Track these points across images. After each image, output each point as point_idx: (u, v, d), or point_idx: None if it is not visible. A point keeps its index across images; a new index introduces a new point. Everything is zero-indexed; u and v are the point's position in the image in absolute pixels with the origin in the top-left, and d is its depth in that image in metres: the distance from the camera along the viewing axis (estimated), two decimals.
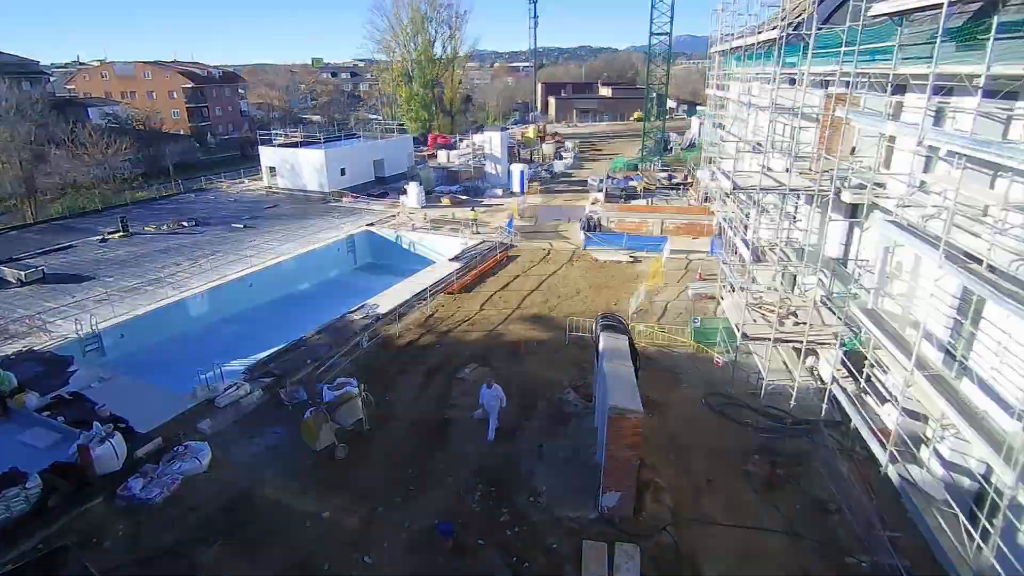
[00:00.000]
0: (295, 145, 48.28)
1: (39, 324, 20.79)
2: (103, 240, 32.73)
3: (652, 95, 50.67)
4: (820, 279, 15.19)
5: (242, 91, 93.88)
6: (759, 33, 20.02)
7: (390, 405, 16.16)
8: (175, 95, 79.50)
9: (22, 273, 25.62)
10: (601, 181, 41.93)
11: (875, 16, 11.65)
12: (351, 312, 22.01)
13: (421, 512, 12.17)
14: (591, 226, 31.73)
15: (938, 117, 11.22)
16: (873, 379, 13.10)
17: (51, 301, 23.47)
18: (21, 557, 10.75)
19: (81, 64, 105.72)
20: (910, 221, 10.95)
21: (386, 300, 23.20)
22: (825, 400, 14.50)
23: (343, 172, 44.86)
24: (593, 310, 20.99)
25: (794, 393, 14.75)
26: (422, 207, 37.88)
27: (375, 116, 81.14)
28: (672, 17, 45.07)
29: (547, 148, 58.14)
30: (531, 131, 64.48)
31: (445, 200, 39.64)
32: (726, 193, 20.57)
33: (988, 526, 8.20)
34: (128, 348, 21.32)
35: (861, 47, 12.27)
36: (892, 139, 12.85)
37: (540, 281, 25.70)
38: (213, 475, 13.22)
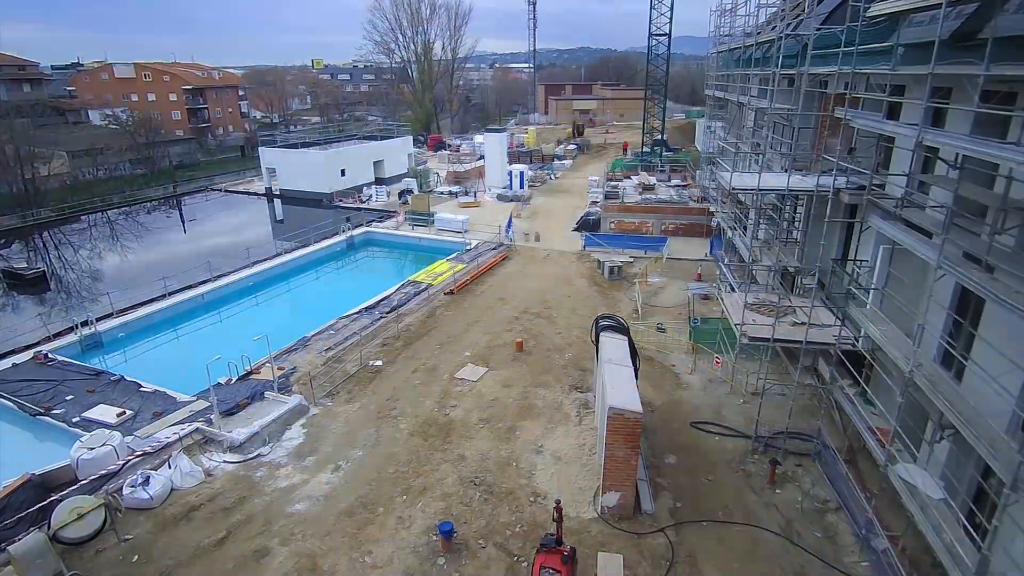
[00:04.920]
0: (295, 146, 48.36)
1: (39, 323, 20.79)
2: None
3: (651, 95, 50.65)
4: (819, 279, 15.20)
5: (242, 92, 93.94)
6: (758, 34, 20.06)
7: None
8: (175, 97, 79.55)
9: (23, 272, 25.69)
10: (600, 181, 41.97)
11: (874, 17, 11.67)
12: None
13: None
14: (590, 226, 31.78)
15: (937, 117, 11.25)
16: (872, 379, 13.11)
17: (51, 300, 23.47)
18: None
19: (81, 66, 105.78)
20: (909, 221, 10.97)
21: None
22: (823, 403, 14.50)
23: (343, 173, 44.95)
24: (592, 309, 21.02)
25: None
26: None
27: (375, 117, 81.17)
28: (671, 18, 45.13)
29: (547, 149, 58.25)
30: (531, 134, 64.54)
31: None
32: (725, 194, 20.60)
33: (987, 526, 8.20)
34: (127, 347, 21.35)
35: (860, 48, 12.29)
36: (891, 139, 12.87)
37: (539, 281, 25.71)
38: None
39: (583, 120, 75.34)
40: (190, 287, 24.79)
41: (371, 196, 43.15)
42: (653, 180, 39.88)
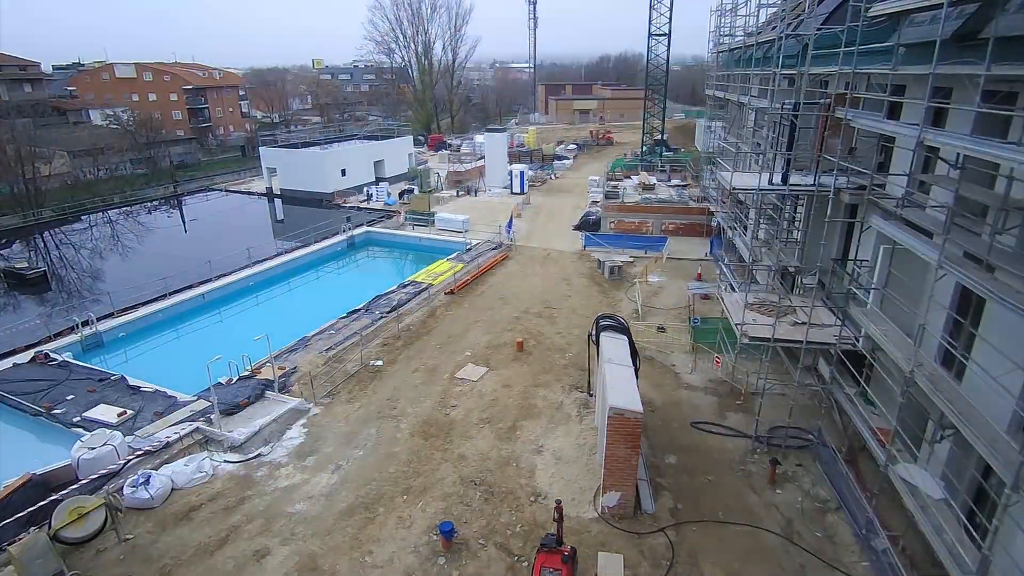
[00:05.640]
0: (296, 146, 48.38)
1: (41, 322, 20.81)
2: None
3: (651, 95, 50.64)
4: (819, 279, 15.19)
5: (242, 92, 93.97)
6: (758, 34, 20.05)
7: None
8: (175, 97, 79.59)
9: (24, 272, 25.68)
10: (600, 181, 41.96)
11: (875, 17, 11.66)
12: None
13: None
14: (590, 226, 31.75)
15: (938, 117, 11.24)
16: (872, 379, 13.11)
17: (52, 299, 23.47)
18: None
19: (82, 66, 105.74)
20: (909, 221, 10.96)
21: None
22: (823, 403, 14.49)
23: (344, 173, 44.96)
24: (592, 309, 21.00)
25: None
26: None
27: (375, 117, 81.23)
28: (671, 18, 45.13)
29: (547, 148, 58.23)
30: (531, 134, 64.45)
31: None
32: (725, 194, 20.59)
33: (988, 526, 8.20)
34: (128, 347, 21.36)
35: (860, 48, 12.29)
36: (892, 139, 12.86)
37: (540, 280, 25.70)
38: None
39: (601, 129, 73.45)
40: (190, 287, 24.80)
41: (375, 195, 43.10)
42: (653, 180, 39.87)
